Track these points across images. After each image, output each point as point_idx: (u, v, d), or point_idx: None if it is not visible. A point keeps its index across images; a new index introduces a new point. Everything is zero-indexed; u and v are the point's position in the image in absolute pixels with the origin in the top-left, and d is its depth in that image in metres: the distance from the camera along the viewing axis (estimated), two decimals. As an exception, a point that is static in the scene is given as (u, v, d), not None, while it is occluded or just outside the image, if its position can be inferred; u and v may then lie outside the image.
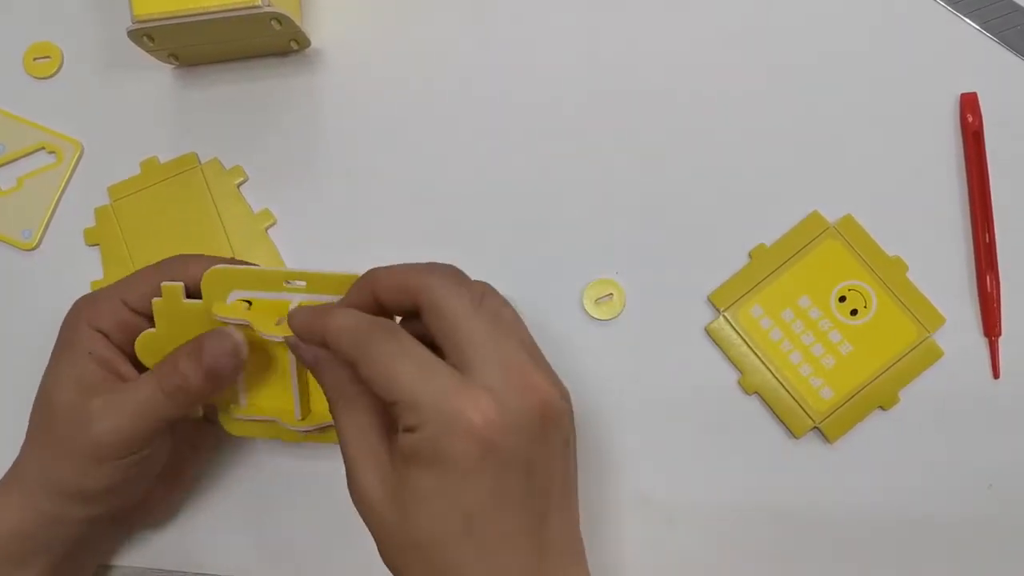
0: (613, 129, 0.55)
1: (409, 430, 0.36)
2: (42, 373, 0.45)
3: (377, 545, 0.38)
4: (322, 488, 0.52)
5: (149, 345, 0.45)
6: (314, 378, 0.42)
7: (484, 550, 0.36)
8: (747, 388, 0.50)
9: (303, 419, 0.46)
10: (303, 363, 0.42)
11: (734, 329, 0.51)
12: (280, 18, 0.51)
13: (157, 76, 0.57)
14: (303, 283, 0.44)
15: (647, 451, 0.51)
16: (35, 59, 0.59)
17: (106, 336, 0.45)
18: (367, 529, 0.39)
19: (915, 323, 0.50)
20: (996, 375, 0.50)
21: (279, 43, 0.55)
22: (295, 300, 0.43)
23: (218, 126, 0.57)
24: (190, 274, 0.45)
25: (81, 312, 0.46)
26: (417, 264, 0.41)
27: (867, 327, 0.50)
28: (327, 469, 0.52)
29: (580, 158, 0.54)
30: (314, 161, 0.56)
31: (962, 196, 0.52)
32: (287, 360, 0.46)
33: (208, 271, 0.44)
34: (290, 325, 0.42)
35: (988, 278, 0.50)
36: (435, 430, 0.36)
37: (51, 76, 0.59)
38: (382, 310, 0.41)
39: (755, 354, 0.50)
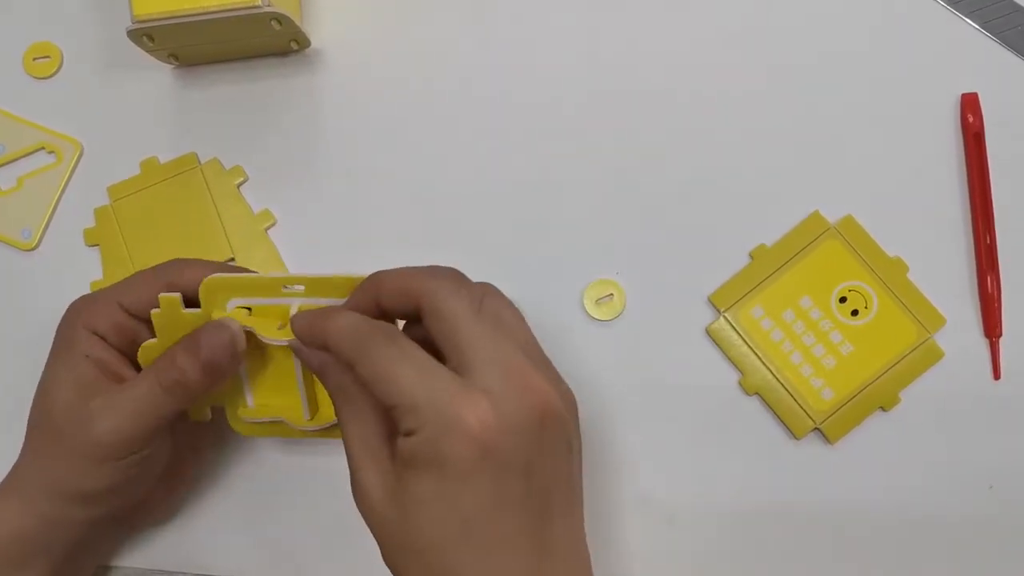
0: (613, 129, 0.55)
1: (408, 434, 0.36)
2: (40, 374, 0.45)
3: (379, 547, 0.38)
4: (323, 488, 0.52)
5: (151, 356, 0.45)
6: (320, 382, 0.42)
7: (482, 553, 0.36)
8: (748, 389, 0.50)
9: (311, 419, 0.46)
10: (308, 367, 0.42)
11: (735, 330, 0.51)
12: (280, 18, 0.51)
13: (157, 76, 0.57)
14: (301, 287, 0.43)
15: (647, 451, 0.51)
16: (35, 59, 0.59)
17: (103, 339, 0.45)
18: (368, 530, 0.39)
19: (916, 324, 0.50)
20: (997, 376, 0.50)
21: (279, 43, 0.55)
22: (294, 305, 0.43)
23: (218, 126, 0.57)
24: (187, 278, 0.45)
25: (77, 315, 0.45)
26: (419, 268, 0.41)
27: (868, 328, 0.50)
28: (328, 469, 0.52)
29: (580, 158, 0.54)
30: (314, 161, 0.56)
31: (963, 196, 0.52)
32: (292, 361, 0.46)
33: (205, 280, 0.44)
34: (292, 329, 0.42)
35: (989, 279, 0.50)
36: (433, 433, 0.36)
37: (51, 76, 0.59)
38: (384, 314, 0.41)
39: (756, 355, 0.50)
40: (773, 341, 0.50)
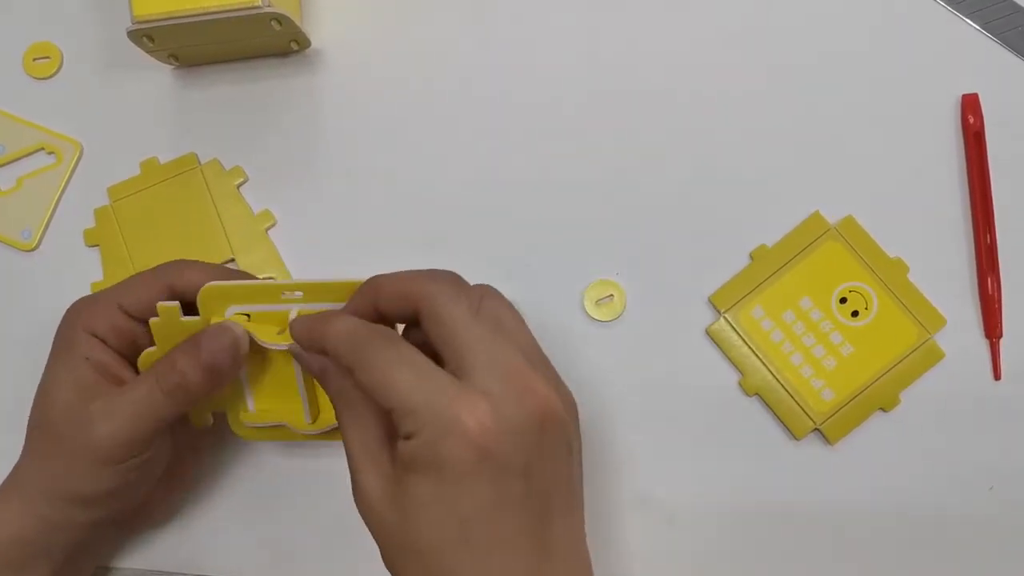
0: (613, 129, 0.54)
1: (407, 437, 0.36)
2: (40, 374, 0.45)
3: (379, 549, 0.38)
4: (322, 489, 0.52)
5: (151, 363, 0.45)
6: (321, 386, 0.42)
7: (482, 554, 0.36)
8: (748, 389, 0.50)
9: (313, 422, 0.46)
10: (308, 372, 0.42)
11: (735, 330, 0.51)
12: (280, 18, 0.51)
13: (157, 76, 0.57)
14: (300, 293, 0.43)
15: (648, 452, 0.51)
16: (35, 59, 0.59)
17: (103, 341, 0.45)
18: (367, 532, 0.39)
19: (916, 324, 0.50)
20: (997, 376, 0.50)
21: (279, 43, 0.55)
22: (293, 310, 0.43)
23: (218, 126, 0.57)
24: (187, 280, 0.45)
25: (77, 316, 0.45)
26: (418, 271, 0.41)
27: (868, 328, 0.50)
28: (328, 470, 0.52)
29: (580, 158, 0.54)
30: (314, 162, 0.56)
31: (963, 197, 0.52)
32: (292, 365, 0.45)
33: (204, 288, 0.44)
34: (292, 333, 0.42)
35: (989, 279, 0.50)
36: (431, 436, 0.36)
37: (51, 76, 0.58)
38: (383, 318, 0.41)
39: (756, 355, 0.50)
40: (773, 342, 0.50)
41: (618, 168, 0.54)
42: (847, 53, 0.54)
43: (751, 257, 0.52)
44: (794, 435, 0.50)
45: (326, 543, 0.52)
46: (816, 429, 0.50)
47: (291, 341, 0.42)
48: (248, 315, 0.44)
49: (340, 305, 0.43)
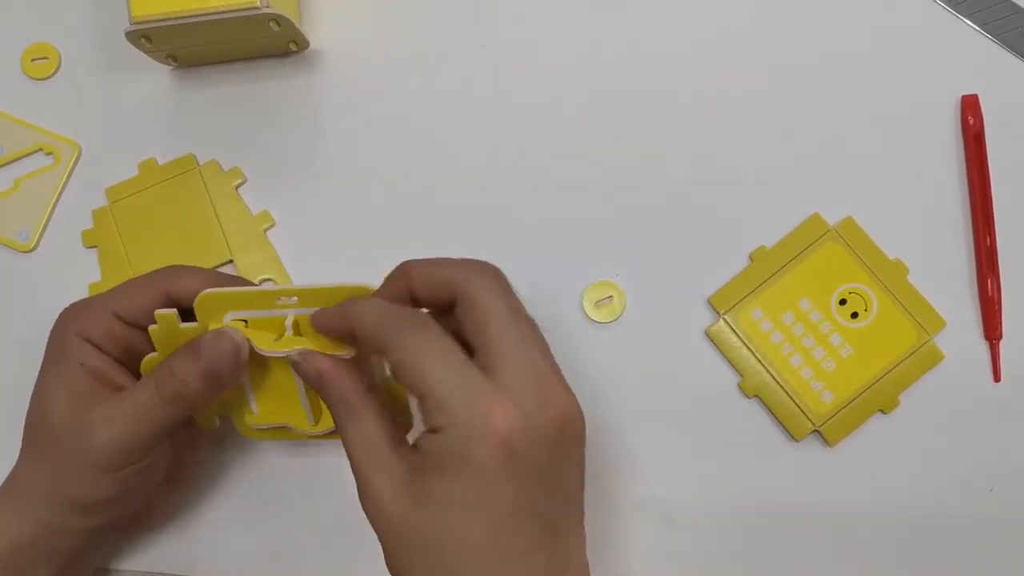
0: (613, 129, 0.54)
1: (434, 431, 0.36)
2: (38, 375, 0.45)
3: (387, 552, 0.38)
4: (323, 489, 0.52)
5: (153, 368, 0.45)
6: (318, 394, 0.42)
7: (503, 560, 0.36)
8: (747, 391, 0.50)
9: (316, 423, 0.46)
10: (306, 380, 0.42)
11: (734, 332, 0.51)
12: (279, 19, 0.51)
13: (155, 77, 0.57)
14: (295, 299, 0.43)
15: (647, 453, 0.51)
16: (33, 60, 0.58)
17: (97, 347, 0.44)
18: (368, 533, 0.38)
19: (916, 326, 0.50)
20: (997, 378, 0.50)
21: (278, 44, 0.55)
22: (289, 316, 0.43)
23: (216, 127, 0.56)
24: (181, 286, 0.45)
25: (70, 322, 0.45)
26: (459, 259, 0.41)
27: (868, 330, 0.50)
28: (329, 471, 0.51)
29: (580, 158, 0.54)
30: (313, 162, 0.56)
31: (963, 198, 0.52)
32: (291, 367, 0.45)
33: (199, 296, 0.43)
34: (314, 325, 0.42)
35: (989, 281, 0.50)
36: (461, 433, 0.36)
37: (49, 77, 0.58)
38: (415, 302, 0.41)
39: (755, 357, 0.50)
40: (773, 343, 0.50)
41: (618, 168, 0.54)
42: (847, 53, 0.54)
43: (751, 258, 0.52)
44: (794, 436, 0.50)
45: (327, 544, 0.52)
46: (816, 430, 0.50)
47: (289, 348, 0.42)
48: (245, 321, 0.44)
49: None
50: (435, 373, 0.37)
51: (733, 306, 0.51)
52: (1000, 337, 0.50)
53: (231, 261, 0.54)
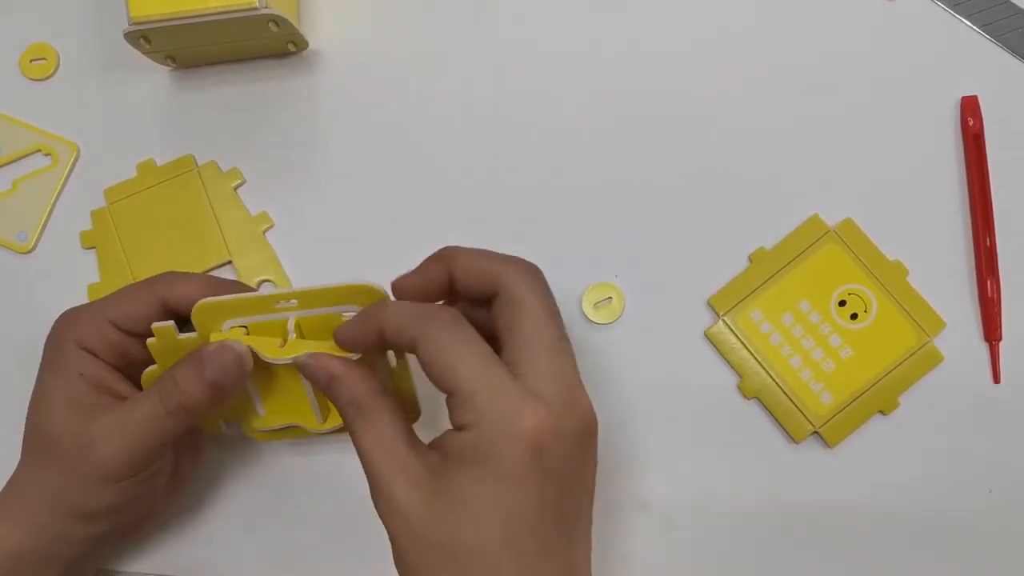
0: (613, 129, 0.54)
1: (460, 428, 0.37)
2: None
3: (398, 551, 0.38)
4: (325, 490, 0.52)
5: (153, 381, 0.44)
6: (327, 397, 0.41)
7: (517, 561, 0.36)
8: (747, 392, 0.50)
9: (325, 421, 0.46)
10: (316, 385, 0.42)
11: (734, 333, 0.51)
12: (278, 20, 0.51)
13: (154, 78, 0.57)
14: (295, 302, 0.42)
15: (647, 455, 0.51)
16: (31, 61, 0.58)
17: (94, 355, 0.44)
18: (372, 533, 0.39)
19: (915, 327, 0.50)
20: (996, 379, 0.50)
21: (277, 45, 0.55)
22: (290, 319, 0.43)
23: (215, 128, 0.56)
24: (177, 292, 0.44)
25: (67, 330, 0.45)
26: (503, 254, 0.41)
27: (867, 331, 0.50)
28: (332, 471, 0.52)
29: (580, 158, 0.54)
30: (312, 163, 0.56)
31: (963, 199, 0.51)
32: (296, 368, 0.45)
33: (197, 306, 0.42)
34: (337, 341, 0.41)
35: (989, 282, 0.50)
36: (489, 430, 0.36)
37: (47, 78, 0.58)
38: (451, 290, 0.41)
39: (755, 358, 0.50)
40: (772, 345, 0.50)
41: (617, 169, 0.54)
42: (847, 53, 0.54)
43: (750, 260, 0.52)
44: (793, 438, 0.50)
45: (329, 545, 0.52)
46: (815, 432, 0.50)
47: (295, 353, 0.41)
48: (246, 327, 0.44)
49: (336, 310, 0.43)
50: (465, 371, 0.37)
51: (733, 307, 0.51)
52: (1000, 338, 0.50)
53: (230, 262, 0.54)
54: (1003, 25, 0.52)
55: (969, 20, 0.53)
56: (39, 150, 0.57)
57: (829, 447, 0.50)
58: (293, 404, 0.46)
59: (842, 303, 0.50)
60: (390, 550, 0.38)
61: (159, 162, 0.56)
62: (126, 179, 0.56)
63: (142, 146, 0.56)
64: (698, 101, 0.54)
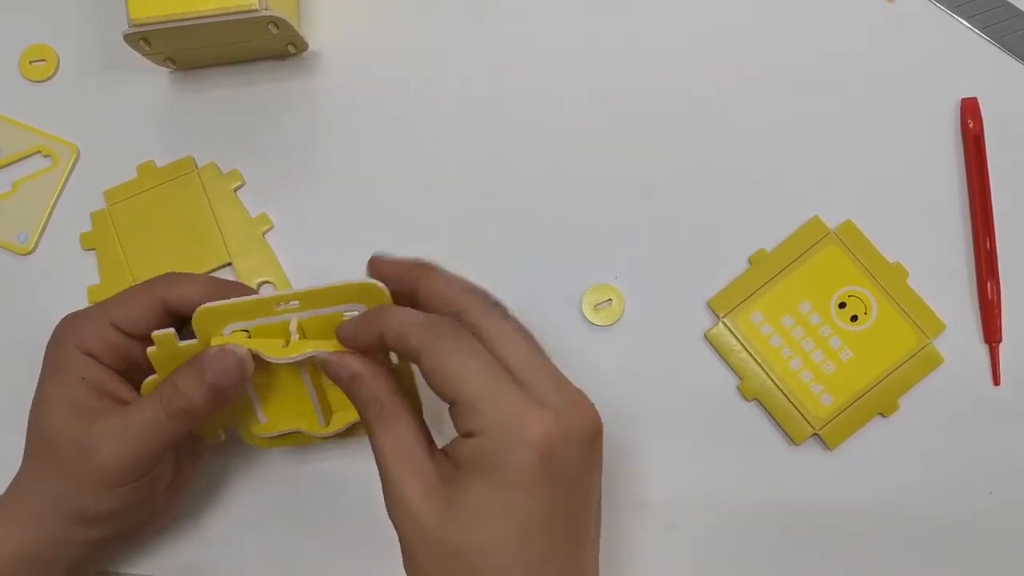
0: (613, 129, 0.54)
1: (469, 435, 0.37)
2: (37, 378, 0.45)
3: (408, 555, 0.38)
4: (325, 495, 0.52)
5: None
6: (348, 396, 0.41)
7: (527, 566, 0.36)
8: (747, 394, 0.50)
9: (327, 424, 0.46)
10: (337, 382, 0.41)
11: (734, 335, 0.51)
12: (277, 22, 0.51)
13: (154, 79, 0.57)
14: (296, 303, 0.43)
15: (646, 457, 0.51)
16: (31, 62, 0.58)
17: (96, 359, 0.44)
18: (374, 538, 0.39)
19: (915, 329, 0.50)
20: (996, 382, 0.50)
21: (276, 46, 0.55)
22: (292, 320, 0.43)
23: (215, 130, 0.56)
24: (178, 294, 0.44)
25: (68, 334, 0.45)
26: (455, 281, 0.41)
27: (867, 333, 0.50)
28: (333, 474, 0.52)
29: (580, 159, 0.54)
30: (312, 164, 0.56)
31: (963, 201, 0.51)
32: (300, 373, 0.45)
33: (197, 311, 0.43)
34: (339, 339, 0.41)
35: (989, 284, 0.50)
36: (497, 437, 0.36)
37: (47, 79, 0.58)
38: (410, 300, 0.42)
39: (755, 360, 0.50)
40: (772, 347, 0.50)
41: (617, 169, 0.54)
42: (847, 54, 0.54)
43: (750, 262, 0.52)
44: (793, 440, 0.50)
45: (332, 546, 0.52)
46: (815, 434, 0.50)
47: (300, 352, 0.42)
48: (247, 331, 0.44)
49: (338, 309, 0.43)
50: (472, 378, 0.37)
51: (732, 309, 0.51)
52: (1000, 340, 0.50)
53: (230, 264, 0.54)
54: (1003, 27, 0.52)
55: (969, 22, 0.53)
56: (39, 151, 0.57)
57: (829, 449, 0.50)
58: (295, 408, 0.46)
59: (842, 305, 0.50)
60: (392, 554, 0.39)
61: (159, 163, 0.56)
62: (126, 181, 0.56)
63: (142, 148, 0.56)
64: (698, 101, 0.54)
